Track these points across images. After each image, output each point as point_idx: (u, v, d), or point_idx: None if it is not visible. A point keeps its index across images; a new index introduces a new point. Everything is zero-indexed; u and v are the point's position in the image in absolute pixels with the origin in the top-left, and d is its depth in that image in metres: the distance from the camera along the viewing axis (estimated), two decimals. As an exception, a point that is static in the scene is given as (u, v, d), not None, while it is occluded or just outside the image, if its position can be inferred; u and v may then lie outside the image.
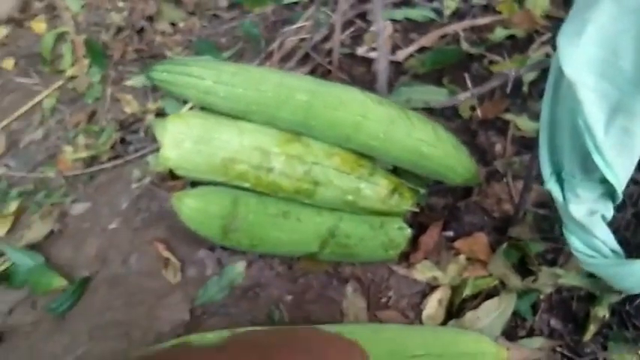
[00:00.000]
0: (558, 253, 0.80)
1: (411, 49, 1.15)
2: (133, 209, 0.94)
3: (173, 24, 1.33)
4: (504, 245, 0.80)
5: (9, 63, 1.28)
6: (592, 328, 0.74)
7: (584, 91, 0.50)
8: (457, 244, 0.84)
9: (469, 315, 0.76)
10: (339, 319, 0.79)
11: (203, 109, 0.83)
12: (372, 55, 1.13)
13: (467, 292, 0.78)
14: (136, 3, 1.36)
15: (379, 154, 0.81)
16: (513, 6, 1.18)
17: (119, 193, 0.97)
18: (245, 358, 0.61)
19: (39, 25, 1.36)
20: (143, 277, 0.85)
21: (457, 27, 1.18)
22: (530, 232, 0.82)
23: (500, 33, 1.14)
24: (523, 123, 0.97)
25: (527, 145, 0.94)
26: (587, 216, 0.58)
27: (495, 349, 0.67)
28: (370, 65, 1.13)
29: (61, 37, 1.29)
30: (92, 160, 1.05)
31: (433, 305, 0.79)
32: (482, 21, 1.19)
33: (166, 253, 0.85)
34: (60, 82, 1.22)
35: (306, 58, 1.13)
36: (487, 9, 1.22)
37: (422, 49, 1.16)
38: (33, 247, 0.91)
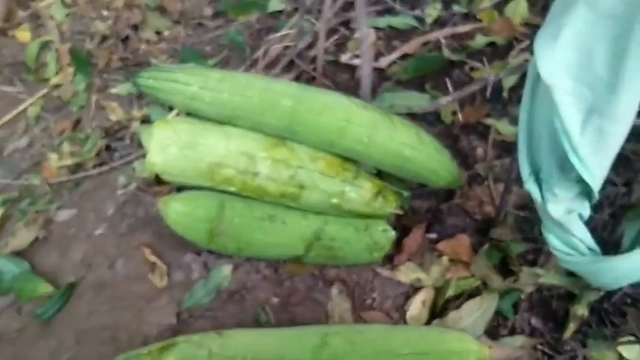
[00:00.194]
0: (538, 254, 0.82)
1: (394, 56, 1.18)
2: (118, 215, 0.94)
3: (158, 32, 1.34)
4: (486, 246, 0.82)
5: (-7, 72, 1.28)
6: (572, 326, 0.75)
7: (560, 94, 0.51)
8: (440, 245, 0.85)
9: (452, 315, 0.77)
10: (324, 320, 0.80)
11: (189, 115, 0.83)
12: (356, 62, 1.15)
13: (450, 292, 0.80)
14: (120, 12, 1.36)
15: (363, 157, 0.82)
16: (493, 14, 1.21)
17: (105, 199, 0.97)
18: None
19: (23, 34, 1.36)
20: (130, 282, 0.85)
21: (439, 34, 1.21)
22: (511, 234, 0.84)
23: (480, 40, 1.17)
24: (503, 127, 0.99)
25: (508, 148, 0.96)
26: (565, 215, 0.59)
27: (478, 347, 0.68)
28: (354, 72, 1.14)
29: (45, 46, 1.29)
30: (77, 168, 1.05)
31: (417, 306, 0.80)
32: (463, 29, 1.22)
33: (152, 258, 0.85)
34: (44, 91, 1.22)
35: (290, 65, 1.15)
36: (468, 17, 1.25)
37: (404, 56, 1.18)
38: (18, 254, 0.91)
